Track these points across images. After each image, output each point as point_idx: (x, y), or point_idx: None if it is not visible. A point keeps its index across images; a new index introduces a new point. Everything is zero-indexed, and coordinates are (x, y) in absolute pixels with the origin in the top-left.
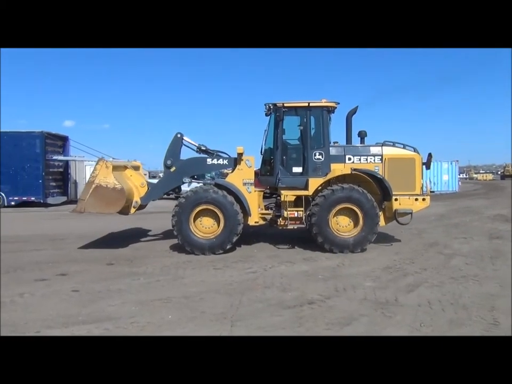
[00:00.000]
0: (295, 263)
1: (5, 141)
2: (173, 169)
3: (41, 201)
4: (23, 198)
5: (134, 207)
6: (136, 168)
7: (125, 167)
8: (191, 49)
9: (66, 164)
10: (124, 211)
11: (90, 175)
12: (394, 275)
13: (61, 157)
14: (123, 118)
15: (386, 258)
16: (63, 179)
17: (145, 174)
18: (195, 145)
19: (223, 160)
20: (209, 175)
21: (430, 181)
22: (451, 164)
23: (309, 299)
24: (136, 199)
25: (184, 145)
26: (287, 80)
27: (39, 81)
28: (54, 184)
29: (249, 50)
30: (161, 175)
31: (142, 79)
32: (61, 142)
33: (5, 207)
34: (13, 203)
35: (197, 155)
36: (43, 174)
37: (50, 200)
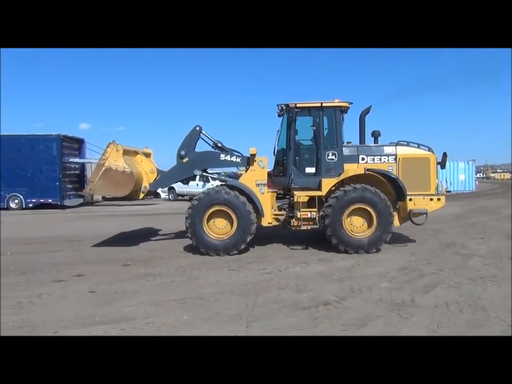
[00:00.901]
0: (309, 264)
1: (22, 144)
2: (185, 160)
3: (58, 203)
4: (41, 200)
5: (142, 192)
6: (147, 155)
7: (136, 153)
8: (202, 49)
9: (82, 166)
10: (133, 196)
11: (101, 157)
12: (411, 276)
13: (77, 159)
14: (138, 120)
15: (402, 259)
16: (80, 181)
17: None
18: (212, 141)
19: (236, 158)
20: (223, 172)
21: (446, 181)
22: (467, 163)
23: (324, 300)
24: (145, 184)
25: (202, 138)
26: (291, 79)
27: (54, 84)
28: (70, 186)
29: (259, 50)
30: None
31: (157, 79)
32: (77, 144)
33: (23, 209)
34: (30, 205)
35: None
36: (60, 176)
37: (67, 202)
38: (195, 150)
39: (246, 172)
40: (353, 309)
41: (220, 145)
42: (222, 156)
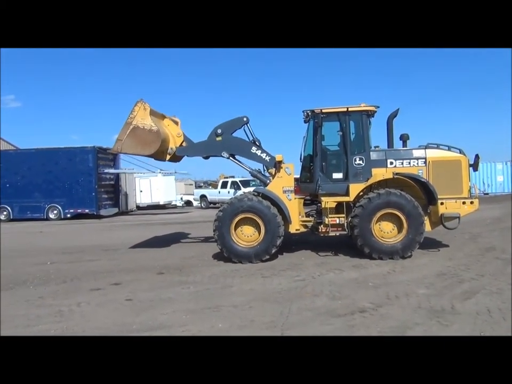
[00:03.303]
0: (344, 270)
1: (60, 157)
2: (219, 138)
3: (95, 213)
4: (78, 210)
5: (169, 154)
6: (175, 122)
7: (163, 117)
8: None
9: (117, 177)
10: (159, 157)
11: (128, 116)
12: (449, 282)
13: (112, 170)
14: None
15: (439, 264)
16: (115, 191)
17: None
18: (252, 136)
19: (266, 156)
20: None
21: (484, 183)
22: (506, 164)
23: (360, 307)
24: (172, 146)
25: (244, 130)
26: (317, 85)
27: (89, 97)
28: (106, 196)
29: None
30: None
31: (184, 88)
32: (112, 155)
33: (61, 219)
34: (68, 215)
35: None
36: (96, 187)
37: (103, 211)
38: (232, 135)
39: (273, 177)
40: (390, 317)
41: (257, 143)
42: (254, 149)
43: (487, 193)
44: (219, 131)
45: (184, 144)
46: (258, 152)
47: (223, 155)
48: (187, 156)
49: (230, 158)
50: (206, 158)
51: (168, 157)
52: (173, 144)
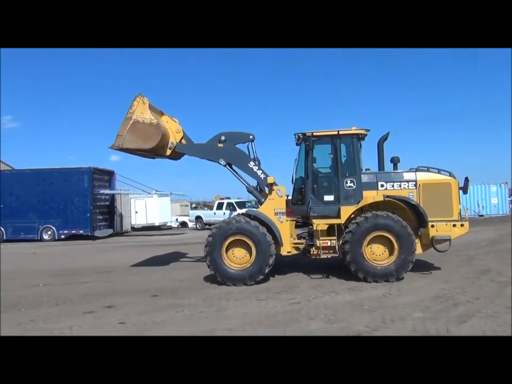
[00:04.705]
0: (339, 293)
1: (55, 177)
2: (220, 145)
3: (89, 234)
4: (72, 231)
5: (169, 148)
6: (173, 120)
7: (162, 113)
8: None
9: (112, 197)
10: (160, 152)
11: (128, 111)
12: (445, 305)
13: (107, 191)
14: None
15: (435, 287)
16: (110, 212)
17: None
18: (253, 154)
19: (261, 174)
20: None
21: (478, 205)
22: (500, 186)
23: (355, 331)
24: (172, 140)
25: (247, 147)
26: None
27: (85, 118)
28: (101, 217)
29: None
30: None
31: (186, 113)
32: (108, 176)
33: (55, 240)
34: (63, 236)
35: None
36: (91, 207)
37: (97, 233)
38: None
39: (264, 199)
40: None
41: (257, 162)
42: (251, 164)
43: (482, 215)
44: (223, 138)
45: (183, 141)
46: (255, 168)
47: (220, 162)
48: (186, 153)
49: (227, 166)
50: (202, 157)
51: (168, 151)
52: (173, 139)
